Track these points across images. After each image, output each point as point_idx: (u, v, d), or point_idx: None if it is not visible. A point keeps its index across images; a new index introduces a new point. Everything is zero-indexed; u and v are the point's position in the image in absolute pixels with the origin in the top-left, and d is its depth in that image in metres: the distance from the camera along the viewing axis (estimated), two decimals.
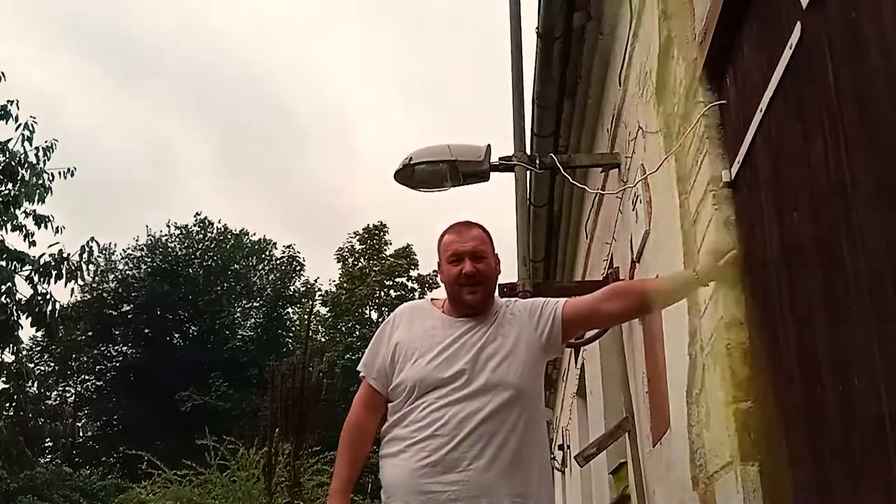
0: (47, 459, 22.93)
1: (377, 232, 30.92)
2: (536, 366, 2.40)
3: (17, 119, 10.73)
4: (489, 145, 4.13)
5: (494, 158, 4.16)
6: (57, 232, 10.98)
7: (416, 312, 2.50)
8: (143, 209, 50.09)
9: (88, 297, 29.06)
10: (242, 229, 34.50)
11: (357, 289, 29.56)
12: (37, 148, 10.86)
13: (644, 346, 3.63)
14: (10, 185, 10.69)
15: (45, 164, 10.90)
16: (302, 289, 33.55)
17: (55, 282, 10.43)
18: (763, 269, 2.03)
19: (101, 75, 52.93)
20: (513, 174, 4.29)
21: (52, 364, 30.57)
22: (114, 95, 50.34)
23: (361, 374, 2.48)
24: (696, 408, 2.51)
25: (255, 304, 33.77)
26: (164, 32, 51.35)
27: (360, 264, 30.57)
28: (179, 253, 32.67)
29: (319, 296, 31.38)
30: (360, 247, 30.93)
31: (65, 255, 10.46)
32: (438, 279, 2.53)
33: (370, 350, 2.48)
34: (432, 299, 2.58)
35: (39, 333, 14.89)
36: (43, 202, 10.84)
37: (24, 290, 10.57)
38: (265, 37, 55.99)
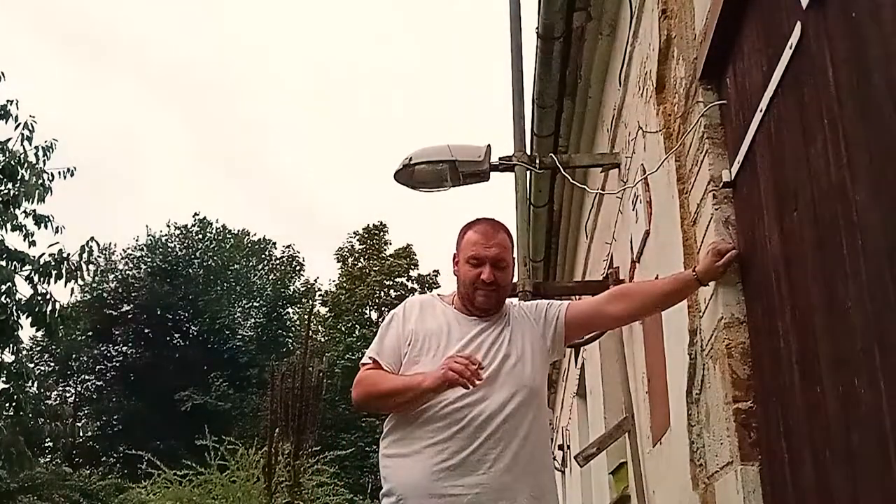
0: (47, 459, 22.91)
1: (377, 232, 30.93)
2: (543, 367, 2.40)
3: (16, 119, 10.74)
4: (489, 145, 4.13)
5: (494, 158, 4.16)
6: (57, 232, 10.98)
7: (426, 306, 2.43)
8: (141, 207, 50.15)
9: (88, 297, 29.05)
10: (242, 229, 34.58)
11: (357, 289, 29.57)
12: (36, 147, 10.87)
13: (644, 346, 3.63)
14: (9, 185, 10.69)
15: (44, 164, 10.91)
16: (302, 289, 33.55)
17: (55, 282, 10.42)
18: (763, 269, 2.03)
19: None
20: (513, 174, 4.29)
21: (52, 364, 30.57)
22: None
23: (370, 358, 2.36)
24: (696, 408, 2.51)
25: (255, 304, 33.76)
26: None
27: (360, 264, 30.57)
28: (179, 253, 32.67)
29: (319, 296, 31.39)
30: (360, 247, 30.93)
31: (65, 255, 10.46)
32: (452, 270, 2.44)
33: (379, 338, 2.40)
34: (438, 295, 2.53)
35: (39, 333, 14.89)
36: (43, 202, 10.85)
37: (24, 290, 10.57)
38: (265, 28, 56.02)
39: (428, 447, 2.20)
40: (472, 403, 2.20)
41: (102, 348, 31.22)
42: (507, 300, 2.51)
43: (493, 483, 2.16)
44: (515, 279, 4.10)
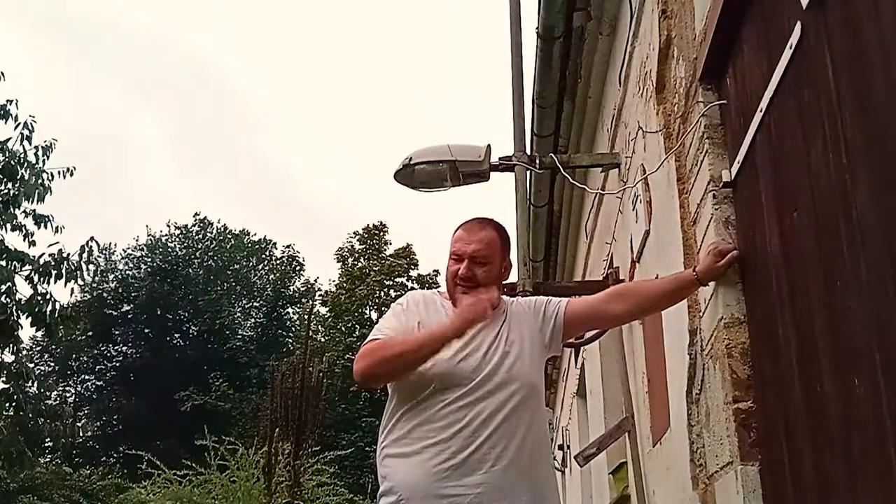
0: (47, 459, 22.91)
1: (377, 232, 30.92)
2: (541, 363, 2.39)
3: (16, 118, 10.74)
4: (489, 145, 4.14)
5: (494, 158, 4.16)
6: (57, 232, 10.98)
7: (428, 302, 2.42)
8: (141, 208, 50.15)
9: (88, 297, 29.06)
10: (242, 229, 34.62)
11: (357, 289, 29.55)
12: (36, 147, 10.86)
13: (644, 346, 3.63)
14: (9, 185, 10.68)
15: (44, 164, 10.90)
16: (302, 289, 33.55)
17: (55, 282, 10.42)
18: (763, 269, 2.03)
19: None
20: (513, 174, 4.29)
21: (52, 364, 30.60)
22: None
23: (376, 337, 2.31)
24: (696, 408, 2.51)
25: (255, 304, 33.78)
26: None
27: (359, 264, 30.56)
28: (179, 253, 32.70)
29: (319, 296, 31.37)
30: (360, 247, 30.92)
31: (65, 254, 10.45)
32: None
33: (386, 319, 2.38)
34: (438, 292, 2.50)
35: (39, 333, 14.89)
36: (42, 202, 10.84)
37: (24, 290, 10.57)
38: (264, 27, 56.03)
39: (428, 447, 2.18)
40: (473, 403, 2.20)
41: (102, 348, 31.25)
42: (506, 297, 2.50)
43: (494, 482, 2.14)
44: (515, 279, 4.10)
